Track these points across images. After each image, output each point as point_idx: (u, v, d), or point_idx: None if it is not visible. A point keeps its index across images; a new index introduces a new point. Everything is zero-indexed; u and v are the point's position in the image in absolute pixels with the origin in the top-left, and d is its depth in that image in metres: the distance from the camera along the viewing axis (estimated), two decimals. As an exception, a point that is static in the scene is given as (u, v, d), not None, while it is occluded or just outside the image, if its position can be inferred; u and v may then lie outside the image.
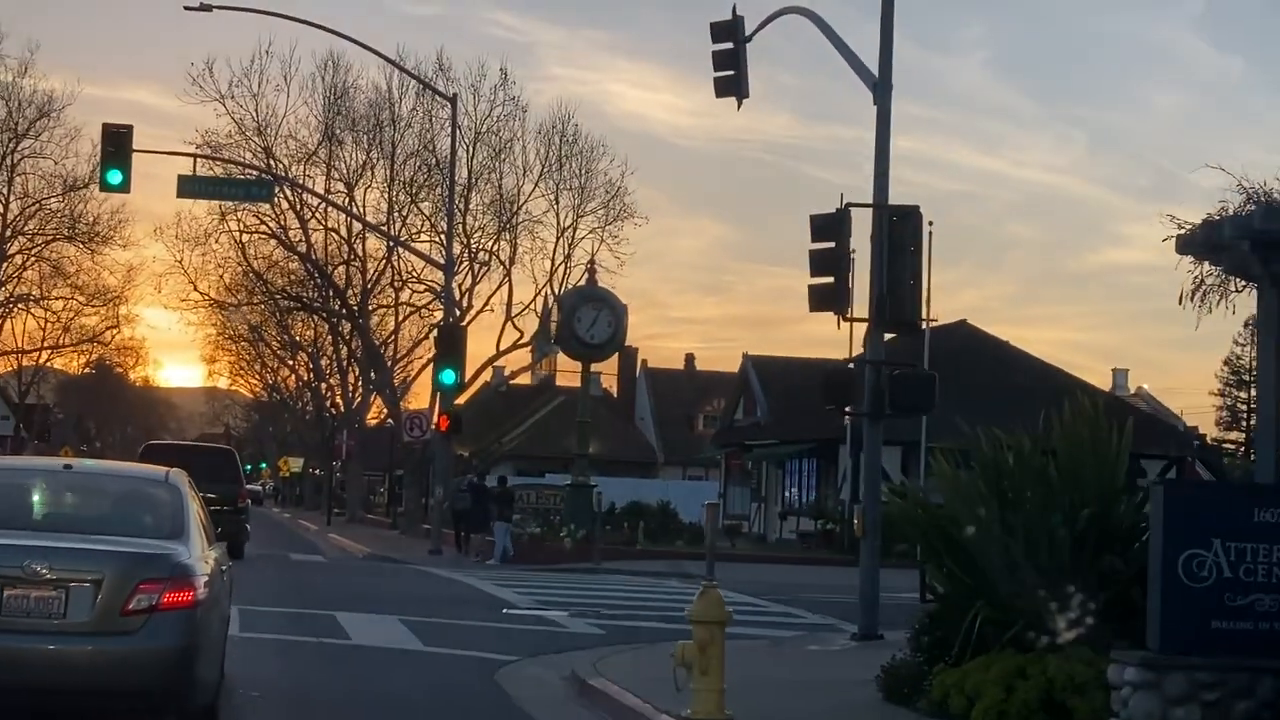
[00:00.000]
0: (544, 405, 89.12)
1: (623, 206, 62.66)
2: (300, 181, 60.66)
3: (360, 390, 75.66)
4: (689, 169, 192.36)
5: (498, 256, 62.41)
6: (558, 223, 62.49)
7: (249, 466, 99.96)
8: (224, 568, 12.83)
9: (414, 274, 64.47)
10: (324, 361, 78.53)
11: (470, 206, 61.53)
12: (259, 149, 60.77)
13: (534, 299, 62.82)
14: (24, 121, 67.77)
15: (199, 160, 50.96)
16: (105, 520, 11.90)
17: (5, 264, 70.64)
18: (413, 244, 59.70)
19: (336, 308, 67.59)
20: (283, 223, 63.70)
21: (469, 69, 75.39)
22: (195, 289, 67.31)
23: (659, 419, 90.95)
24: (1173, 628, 10.77)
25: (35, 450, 76.30)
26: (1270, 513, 10.85)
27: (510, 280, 62.36)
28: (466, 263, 60.96)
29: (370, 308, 66.71)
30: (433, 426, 52.40)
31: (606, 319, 45.72)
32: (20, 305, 73.68)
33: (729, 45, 23.82)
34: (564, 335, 46.90)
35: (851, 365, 22.73)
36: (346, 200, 62.17)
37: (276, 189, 54.83)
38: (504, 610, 25.25)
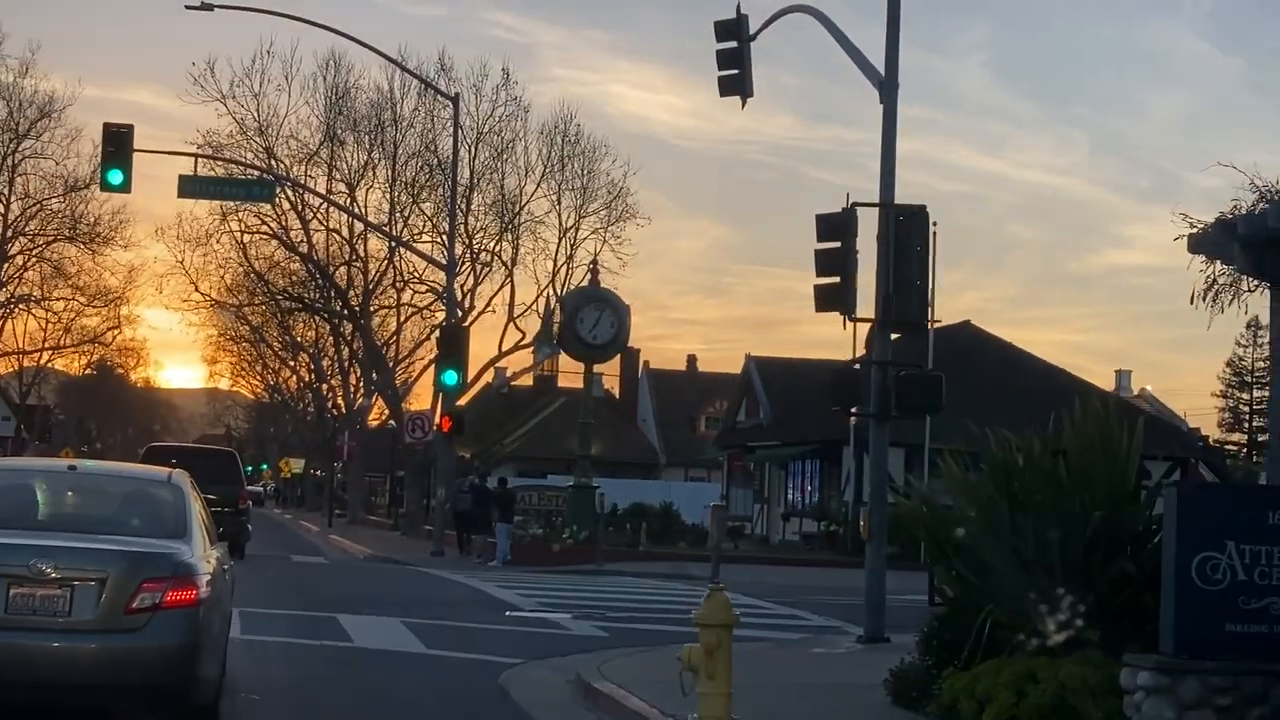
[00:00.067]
0: (546, 406, 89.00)
1: (625, 207, 62.70)
2: (302, 182, 60.68)
3: (362, 391, 75.56)
4: (690, 170, 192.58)
5: (500, 257, 62.47)
6: (560, 223, 62.57)
7: (250, 468, 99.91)
8: (226, 567, 12.98)
9: (416, 275, 64.55)
10: (325, 362, 78.43)
11: (472, 207, 61.53)
12: (260, 149, 60.79)
13: (536, 300, 62.83)
14: (25, 122, 67.88)
15: (200, 160, 50.79)
16: (109, 520, 12.10)
17: (6, 265, 70.64)
18: (414, 244, 59.69)
19: (338, 308, 67.52)
20: (284, 223, 63.69)
21: (471, 69, 75.68)
22: (196, 289, 67.30)
23: (661, 420, 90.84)
24: (1186, 631, 10.67)
25: (36, 451, 76.28)
26: (1285, 515, 10.74)
27: (512, 281, 62.47)
28: (468, 263, 60.90)
29: (372, 308, 66.67)
30: (434, 427, 52.37)
31: (609, 320, 45.59)
32: (21, 306, 73.66)
33: (733, 44, 23.75)
34: (566, 336, 46.76)
35: (858, 366, 22.58)
36: (348, 200, 62.11)
37: (278, 189, 54.82)
38: (507, 612, 25.16)
